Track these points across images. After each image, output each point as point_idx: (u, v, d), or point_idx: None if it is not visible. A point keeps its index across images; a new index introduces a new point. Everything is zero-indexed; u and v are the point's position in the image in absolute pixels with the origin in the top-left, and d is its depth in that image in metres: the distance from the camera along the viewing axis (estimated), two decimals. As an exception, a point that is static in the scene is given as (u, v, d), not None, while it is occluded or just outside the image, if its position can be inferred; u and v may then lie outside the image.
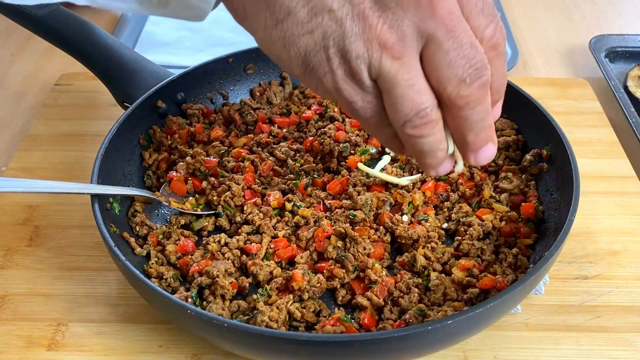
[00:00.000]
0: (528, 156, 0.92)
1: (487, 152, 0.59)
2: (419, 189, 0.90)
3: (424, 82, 0.54)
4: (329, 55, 0.54)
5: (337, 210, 0.87)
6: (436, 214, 0.88)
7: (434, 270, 0.81)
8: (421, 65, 0.54)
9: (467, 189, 0.90)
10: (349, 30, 0.52)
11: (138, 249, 0.83)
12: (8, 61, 1.33)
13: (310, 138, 0.98)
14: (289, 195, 0.90)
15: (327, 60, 0.54)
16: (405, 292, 0.78)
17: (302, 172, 0.93)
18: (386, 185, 0.91)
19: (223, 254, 0.83)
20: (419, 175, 0.91)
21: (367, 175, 0.94)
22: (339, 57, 0.54)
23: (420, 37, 0.52)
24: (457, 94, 0.53)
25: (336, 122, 1.01)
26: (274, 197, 0.89)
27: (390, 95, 0.54)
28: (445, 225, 0.86)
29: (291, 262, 0.83)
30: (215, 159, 0.93)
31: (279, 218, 0.88)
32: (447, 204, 0.89)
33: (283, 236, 0.84)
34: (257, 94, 1.06)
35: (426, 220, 0.86)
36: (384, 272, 0.80)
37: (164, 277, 0.79)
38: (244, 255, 0.83)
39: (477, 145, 0.58)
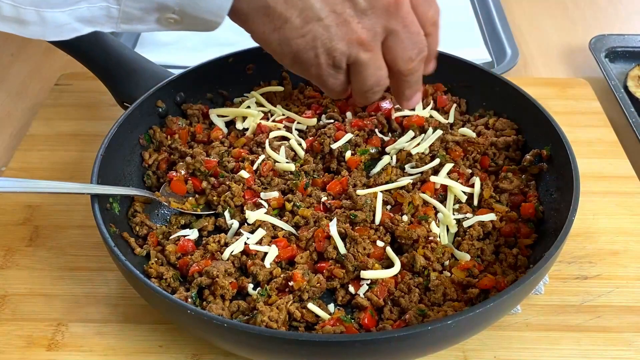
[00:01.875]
0: (528, 156, 0.92)
1: (417, 98, 0.78)
2: (419, 189, 0.90)
3: (383, 61, 0.72)
4: (317, 53, 0.69)
5: (337, 210, 0.87)
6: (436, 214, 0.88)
7: (434, 270, 0.81)
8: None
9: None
10: (335, 34, 0.68)
11: (138, 249, 0.83)
12: (8, 61, 1.33)
13: (310, 138, 0.98)
14: (289, 195, 0.90)
15: (315, 57, 0.70)
16: (406, 292, 0.78)
17: (302, 172, 0.93)
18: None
19: (223, 254, 0.83)
20: None
21: (367, 175, 0.94)
22: (325, 54, 0.70)
23: (384, 32, 0.70)
24: (405, 67, 0.73)
25: (336, 122, 1.01)
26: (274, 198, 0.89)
27: (361, 75, 0.72)
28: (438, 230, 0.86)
29: (291, 262, 0.83)
30: (215, 159, 0.93)
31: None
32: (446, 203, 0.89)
33: (283, 236, 0.84)
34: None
35: (426, 220, 0.86)
36: (384, 272, 0.80)
37: (164, 277, 0.79)
38: (244, 256, 0.83)
39: (411, 95, 0.77)
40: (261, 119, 1.01)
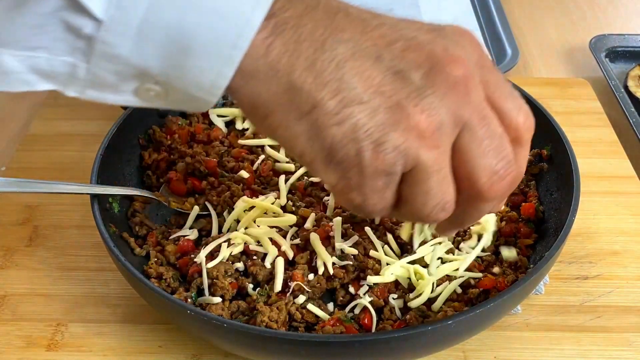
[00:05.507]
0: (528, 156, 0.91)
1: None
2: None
3: (451, 174, 0.50)
4: (360, 147, 0.47)
5: (337, 210, 0.87)
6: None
7: (434, 270, 0.80)
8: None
9: (467, 189, 0.90)
10: (384, 121, 0.47)
11: (137, 249, 0.83)
12: (8, 61, 1.33)
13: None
14: (289, 195, 0.90)
15: (356, 154, 0.48)
16: (406, 292, 0.78)
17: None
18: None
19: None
20: None
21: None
22: (370, 150, 0.47)
23: (456, 125, 0.48)
24: (489, 187, 0.50)
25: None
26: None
27: (418, 188, 0.49)
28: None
29: (291, 262, 0.83)
30: (215, 159, 0.93)
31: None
32: (447, 204, 0.89)
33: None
34: None
35: (426, 220, 0.85)
36: (384, 272, 0.80)
37: (164, 277, 0.79)
38: (244, 256, 0.82)
39: (463, 226, 0.58)
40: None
